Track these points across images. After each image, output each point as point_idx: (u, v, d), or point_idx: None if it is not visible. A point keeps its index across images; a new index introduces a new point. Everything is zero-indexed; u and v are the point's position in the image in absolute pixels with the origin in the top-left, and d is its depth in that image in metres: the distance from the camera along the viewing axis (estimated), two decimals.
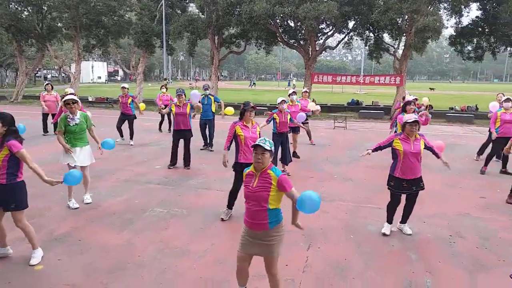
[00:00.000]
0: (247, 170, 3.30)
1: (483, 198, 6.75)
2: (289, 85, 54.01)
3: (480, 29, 18.23)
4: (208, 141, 10.55)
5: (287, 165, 7.99)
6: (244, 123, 5.51)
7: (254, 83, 57.60)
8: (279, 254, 3.29)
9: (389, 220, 5.18)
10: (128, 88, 11.04)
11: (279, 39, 20.92)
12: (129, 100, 10.86)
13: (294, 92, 9.86)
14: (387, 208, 5.17)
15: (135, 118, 11.08)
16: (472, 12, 18.41)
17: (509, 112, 8.25)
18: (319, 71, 64.96)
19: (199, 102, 10.01)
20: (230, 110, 9.83)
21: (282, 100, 7.96)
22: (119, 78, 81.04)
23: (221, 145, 10.78)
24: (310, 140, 11.54)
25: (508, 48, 18.65)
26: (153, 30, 22.49)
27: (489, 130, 9.07)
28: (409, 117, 4.89)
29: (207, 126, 10.42)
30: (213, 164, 8.67)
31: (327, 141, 12.37)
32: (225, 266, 4.16)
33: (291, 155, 9.01)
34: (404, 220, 5.22)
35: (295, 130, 9.35)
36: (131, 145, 10.76)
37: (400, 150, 4.86)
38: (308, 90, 12.13)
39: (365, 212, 5.94)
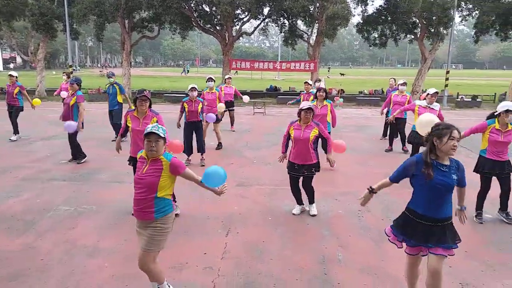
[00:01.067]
0: (139, 154, 3.23)
1: (387, 174, 7.38)
2: (184, 71, 52.42)
3: (383, 17, 19.78)
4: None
5: (203, 153, 7.85)
6: (135, 114, 5.08)
7: (187, 70, 54.67)
8: (162, 248, 3.20)
9: (297, 201, 5.43)
10: (16, 77, 9.86)
11: (194, 24, 20.50)
12: (16, 90, 9.68)
13: (211, 79, 9.70)
14: (292, 191, 5.40)
15: (22, 110, 9.95)
16: (377, 1, 19.90)
17: (401, 95, 9.09)
18: (238, 57, 65.38)
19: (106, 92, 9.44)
20: (36, 101, 10.08)
21: (192, 88, 7.43)
22: (12, 66, 72.50)
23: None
24: (231, 127, 11.58)
25: (408, 35, 20.52)
26: (53, 12, 20.43)
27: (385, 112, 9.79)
28: (304, 104, 5.08)
29: (113, 116, 9.76)
30: (125, 156, 8.22)
31: (247, 127, 12.53)
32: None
33: (217, 147, 8.98)
34: (310, 201, 5.44)
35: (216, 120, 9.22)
36: (13, 140, 9.67)
37: (292, 136, 5.13)
38: (231, 77, 12.07)
39: (282, 194, 6.15)
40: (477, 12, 19.51)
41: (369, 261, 4.15)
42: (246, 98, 11.51)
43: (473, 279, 3.85)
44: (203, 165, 7.57)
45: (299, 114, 5.09)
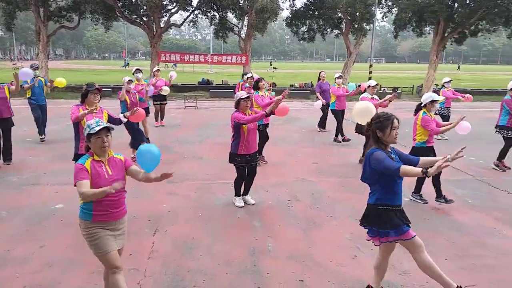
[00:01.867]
0: (87, 162, 2.83)
1: (315, 163, 7.71)
2: (124, 65, 50.20)
3: (311, 12, 20.48)
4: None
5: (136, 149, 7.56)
6: (87, 107, 4.79)
7: (128, 63, 51.17)
8: None
9: (238, 193, 5.45)
10: None
11: (119, 14, 19.51)
12: None
13: (138, 70, 9.37)
14: (235, 181, 5.40)
15: None
16: None
17: (341, 88, 9.53)
18: (168, 49, 63.59)
19: (29, 82, 8.65)
20: (61, 81, 8.78)
21: (129, 80, 7.53)
22: None
23: (54, 133, 9.73)
24: (161, 121, 11.24)
25: (334, 30, 21.48)
26: None
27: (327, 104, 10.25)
28: (242, 93, 5.13)
29: (42, 112, 9.05)
30: (43, 155, 7.65)
31: (178, 121, 12.27)
32: (55, 268, 3.73)
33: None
34: (246, 192, 5.54)
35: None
36: None
37: (244, 128, 5.08)
38: (159, 69, 11.65)
39: (214, 188, 6.12)
40: (396, 9, 21.00)
41: (297, 249, 4.29)
42: (165, 90, 10.77)
43: (393, 257, 4.14)
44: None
45: (238, 104, 5.09)
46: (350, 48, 20.82)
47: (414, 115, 5.67)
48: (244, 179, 5.38)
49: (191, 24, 21.99)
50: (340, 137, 9.54)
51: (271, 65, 53.33)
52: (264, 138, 7.58)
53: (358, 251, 4.29)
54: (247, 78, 10.35)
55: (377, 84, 7.82)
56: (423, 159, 3.27)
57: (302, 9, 20.43)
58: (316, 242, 4.49)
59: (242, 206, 5.37)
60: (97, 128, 2.82)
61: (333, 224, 4.95)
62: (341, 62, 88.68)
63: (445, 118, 9.93)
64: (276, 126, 11.72)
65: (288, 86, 22.86)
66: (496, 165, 7.58)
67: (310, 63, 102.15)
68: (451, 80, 10.25)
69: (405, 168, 2.88)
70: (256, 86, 7.39)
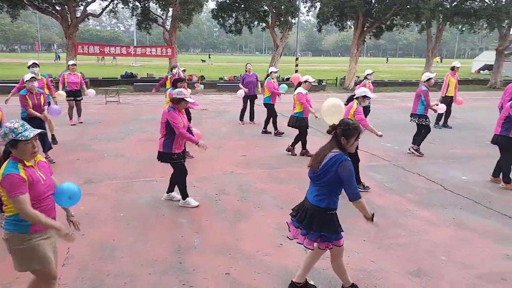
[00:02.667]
0: (20, 171, 2.50)
1: (244, 156, 7.77)
2: (56, 58, 46.41)
3: (237, 4, 20.51)
4: None
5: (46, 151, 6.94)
6: None
7: (58, 56, 46.16)
8: None
9: (186, 193, 5.23)
10: None
11: (27, 2, 17.85)
12: None
13: (35, 64, 8.32)
14: (179, 181, 5.19)
15: None
16: None
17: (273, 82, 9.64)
18: (88, 41, 59.74)
19: None
20: None
21: (32, 77, 6.75)
22: None
23: None
24: (78, 118, 10.53)
25: (260, 23, 21.75)
26: None
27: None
28: (186, 93, 5.00)
29: None
30: None
31: (98, 117, 11.59)
32: None
33: (52, 141, 7.97)
34: (172, 188, 5.40)
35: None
36: None
37: (181, 123, 4.88)
38: (76, 63, 10.82)
39: (137, 187, 5.89)
40: (319, 3, 21.84)
41: (224, 242, 4.29)
42: (60, 95, 9.74)
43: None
44: (53, 162, 6.84)
45: (178, 101, 4.88)
46: (277, 42, 21.25)
47: (346, 104, 5.93)
48: (186, 174, 5.20)
49: (111, 15, 20.86)
50: (274, 130, 9.68)
51: (209, 57, 52.87)
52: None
53: (284, 239, 4.40)
54: (69, 65, 10.33)
55: (313, 81, 7.93)
56: None
57: (228, 1, 20.38)
58: (243, 234, 4.53)
59: (197, 205, 5.19)
60: (29, 135, 2.51)
61: (260, 215, 5.03)
62: (269, 55, 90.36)
63: (366, 109, 10.57)
64: (205, 119, 11.63)
65: (218, 79, 22.78)
66: (416, 150, 8.16)
67: (239, 56, 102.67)
68: (373, 72, 10.89)
69: (362, 202, 3.07)
70: (174, 85, 6.88)
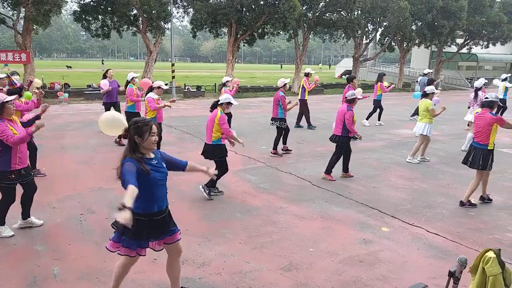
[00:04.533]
0: None
1: (115, 169, 7.29)
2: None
3: (102, 6, 19.33)
4: None
5: None
6: None
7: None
8: None
9: (3, 221, 4.56)
10: None
11: None
12: None
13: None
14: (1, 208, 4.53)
15: None
16: None
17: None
18: None
19: None
20: None
21: None
22: None
23: None
24: None
25: (131, 28, 20.86)
26: None
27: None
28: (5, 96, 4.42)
29: None
30: None
31: None
32: None
33: None
34: (28, 213, 4.77)
35: None
36: None
37: (12, 133, 4.28)
38: None
39: None
40: (191, 9, 21.93)
41: (90, 266, 3.96)
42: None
43: (192, 251, 4.27)
44: None
45: (2, 108, 4.32)
46: (150, 47, 20.68)
47: (211, 111, 5.99)
48: (13, 201, 4.53)
49: None
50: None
51: (102, 63, 48.62)
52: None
53: (159, 253, 4.24)
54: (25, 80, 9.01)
55: (165, 84, 7.85)
56: (190, 164, 3.46)
57: (92, 3, 19.08)
58: (113, 254, 4.22)
59: (12, 235, 4.53)
60: None
61: None
62: (145, 61, 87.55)
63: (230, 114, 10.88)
64: (67, 131, 10.66)
65: (86, 86, 21.13)
66: (274, 153, 8.66)
67: (112, 61, 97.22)
68: (232, 79, 11.28)
69: (131, 187, 2.73)
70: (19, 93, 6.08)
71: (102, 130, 3.80)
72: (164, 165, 3.20)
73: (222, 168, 5.95)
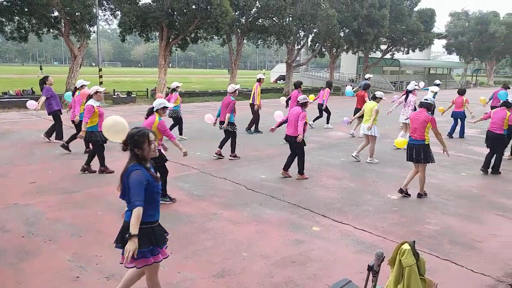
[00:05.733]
0: None
1: (33, 183, 6.79)
2: None
3: (18, 7, 17.93)
4: None
5: None
6: None
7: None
8: None
9: None
10: None
11: None
12: None
13: None
14: None
15: None
16: None
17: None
18: None
19: None
20: None
21: None
22: None
23: None
24: None
25: (51, 30, 19.55)
26: None
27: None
28: None
29: None
30: None
31: None
32: None
33: None
34: None
35: None
36: None
37: None
38: None
39: None
40: (119, 12, 21.12)
41: None
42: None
43: (119, 266, 4.08)
44: None
45: None
46: (75, 51, 19.56)
47: (146, 118, 5.79)
48: None
49: None
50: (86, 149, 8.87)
51: (41, 69, 44.86)
52: None
53: (82, 270, 4.01)
54: None
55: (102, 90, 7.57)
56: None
57: (5, 3, 17.62)
58: (28, 275, 3.91)
59: None
60: None
61: (51, 249, 4.45)
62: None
63: (177, 119, 10.77)
64: None
65: (1, 94, 19.46)
66: (233, 156, 8.85)
67: (33, 66, 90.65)
68: (180, 85, 11.13)
69: (139, 211, 2.85)
70: None
71: (106, 136, 3.86)
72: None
73: (163, 173, 5.83)
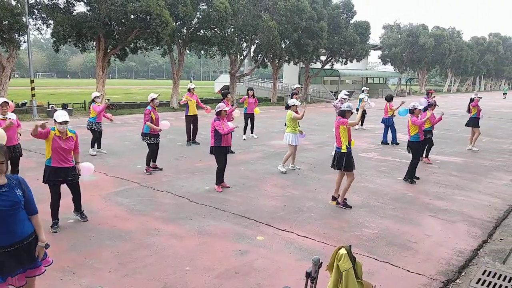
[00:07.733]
0: None
1: None
2: None
3: None
4: None
5: None
6: None
7: None
8: None
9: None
10: None
11: None
12: None
13: None
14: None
15: None
16: None
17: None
18: None
19: None
20: None
21: None
22: None
23: None
24: None
25: None
26: None
27: None
28: None
29: None
30: None
31: None
32: None
33: None
34: None
35: None
36: None
37: None
38: None
39: None
40: (52, 21, 20.08)
41: None
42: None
43: None
44: None
45: None
46: (3, 62, 18.30)
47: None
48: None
49: None
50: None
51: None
52: None
53: None
54: None
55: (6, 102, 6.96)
56: (37, 219, 3.24)
57: None
58: None
59: None
60: None
61: None
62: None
63: (99, 133, 10.25)
64: None
65: None
66: (155, 167, 8.64)
67: None
68: (102, 94, 10.68)
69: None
70: None
71: None
72: (19, 193, 2.97)
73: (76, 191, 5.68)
